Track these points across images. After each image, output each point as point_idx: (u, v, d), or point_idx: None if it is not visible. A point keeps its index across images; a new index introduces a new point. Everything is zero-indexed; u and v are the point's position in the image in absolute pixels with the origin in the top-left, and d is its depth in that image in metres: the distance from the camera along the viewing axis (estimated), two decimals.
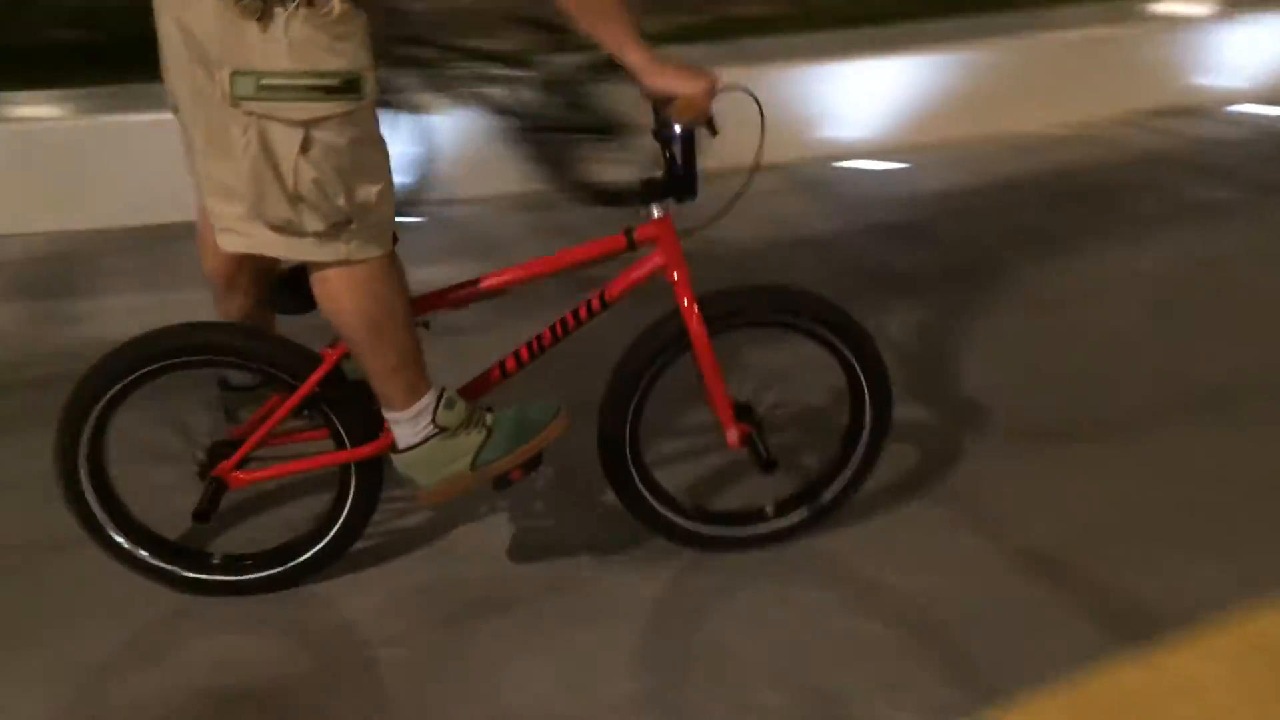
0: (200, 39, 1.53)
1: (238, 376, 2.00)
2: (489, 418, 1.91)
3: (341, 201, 1.61)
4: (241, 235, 1.65)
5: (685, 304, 1.88)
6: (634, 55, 1.68)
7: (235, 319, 1.98)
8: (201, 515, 1.93)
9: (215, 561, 2.03)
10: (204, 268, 1.94)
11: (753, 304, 1.97)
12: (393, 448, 1.89)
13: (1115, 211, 3.91)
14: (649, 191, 1.86)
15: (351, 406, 1.91)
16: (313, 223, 1.61)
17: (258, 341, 1.86)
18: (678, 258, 1.88)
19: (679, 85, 1.69)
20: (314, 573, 2.03)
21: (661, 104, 1.73)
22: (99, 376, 1.81)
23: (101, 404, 1.83)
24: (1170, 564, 2.03)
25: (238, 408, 2.03)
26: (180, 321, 1.84)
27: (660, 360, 1.95)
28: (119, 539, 1.95)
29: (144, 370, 1.81)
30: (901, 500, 2.24)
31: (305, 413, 1.94)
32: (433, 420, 1.84)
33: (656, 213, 1.87)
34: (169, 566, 1.99)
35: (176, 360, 1.82)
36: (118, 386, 1.82)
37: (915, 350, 2.91)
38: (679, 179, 1.82)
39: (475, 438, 1.88)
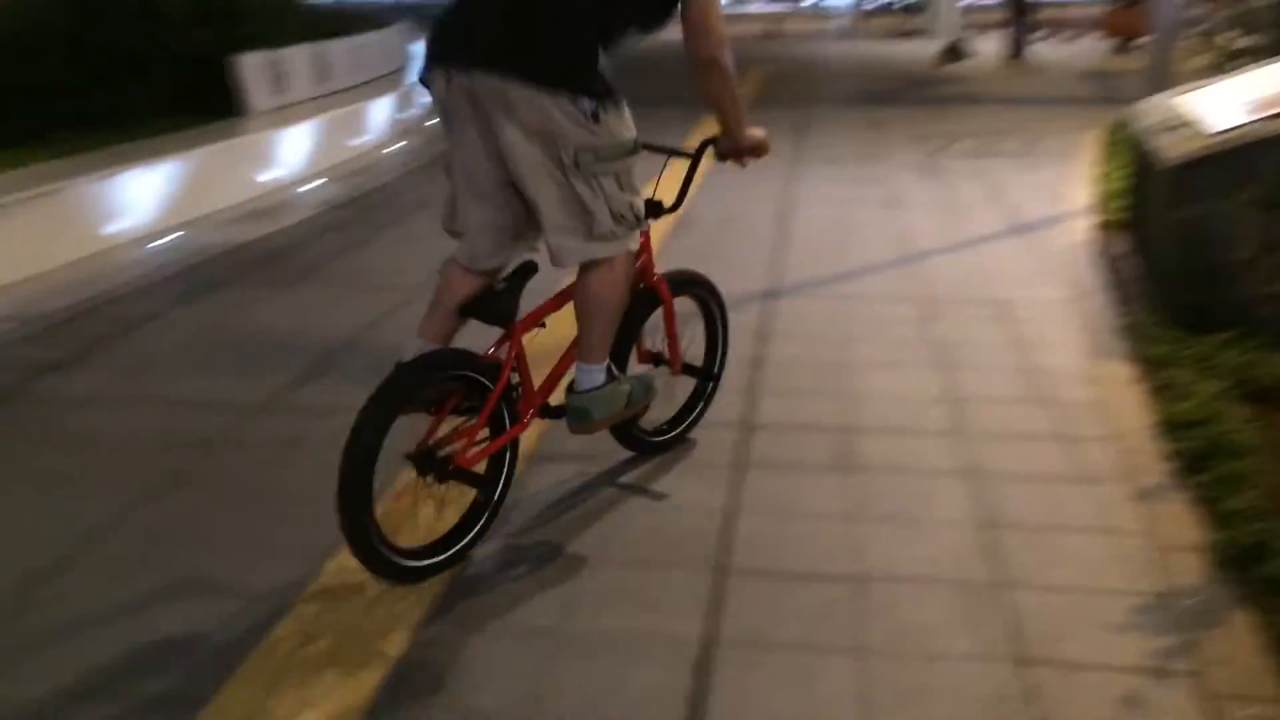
0: (551, 131, 2.49)
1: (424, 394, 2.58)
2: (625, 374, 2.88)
3: (639, 211, 2.69)
4: (578, 251, 2.64)
5: (657, 280, 3.00)
6: (744, 121, 2.77)
7: (442, 334, 2.71)
8: (480, 482, 2.72)
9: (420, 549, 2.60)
10: (446, 299, 2.71)
11: (687, 281, 3.21)
12: (571, 389, 2.78)
13: None
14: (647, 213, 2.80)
15: (513, 396, 2.71)
16: (620, 230, 2.64)
17: (473, 357, 2.63)
18: (651, 254, 2.95)
19: (762, 134, 2.83)
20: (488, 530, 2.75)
21: (739, 151, 2.82)
22: (392, 396, 2.45)
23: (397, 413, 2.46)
24: None
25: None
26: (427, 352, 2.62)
27: (646, 316, 3.00)
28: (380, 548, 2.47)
29: (440, 380, 2.58)
30: None
31: (470, 406, 2.63)
32: (609, 368, 2.77)
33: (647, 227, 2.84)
34: (409, 564, 2.56)
35: (460, 374, 2.59)
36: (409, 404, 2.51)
37: None
38: (661, 206, 2.88)
39: (627, 384, 2.83)
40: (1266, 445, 3.07)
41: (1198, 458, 2.99)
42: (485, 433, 2.68)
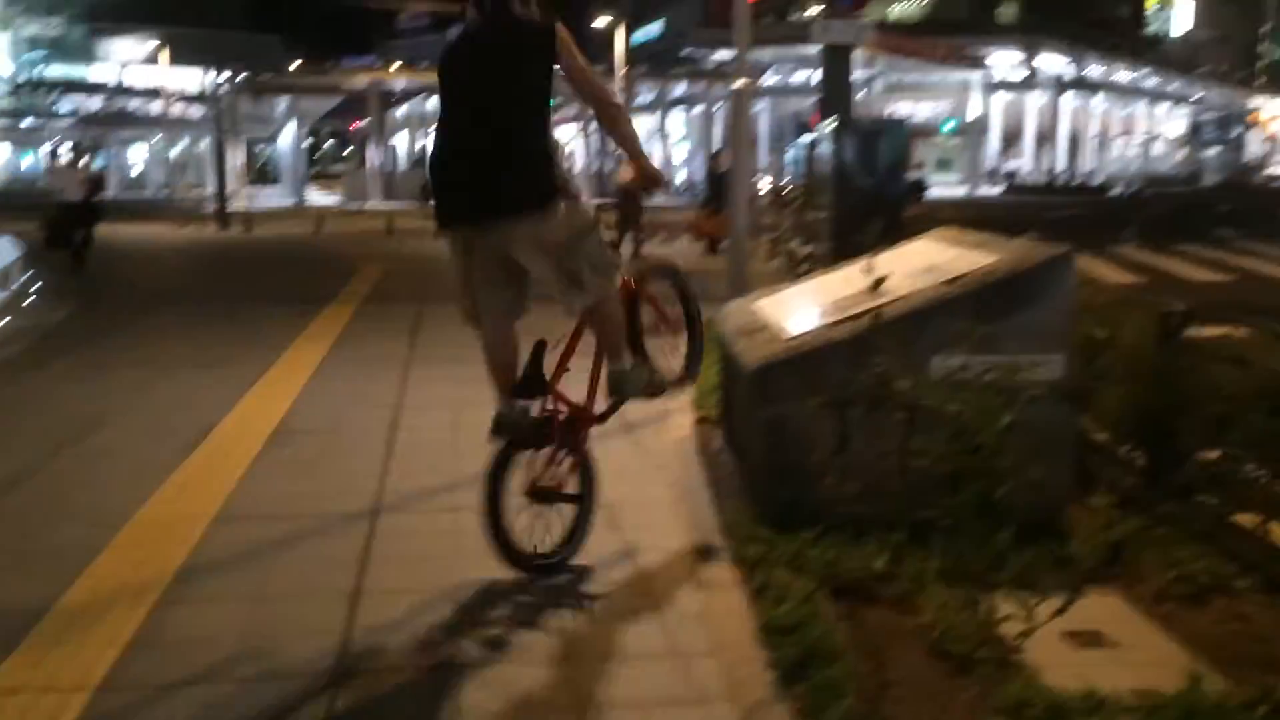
0: (537, 237, 3.60)
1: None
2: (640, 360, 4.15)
3: (618, 257, 4.03)
4: (581, 301, 3.75)
5: (630, 286, 4.23)
6: (641, 151, 3.98)
7: (512, 374, 3.88)
8: (575, 498, 3.97)
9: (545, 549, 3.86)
10: (499, 356, 3.92)
11: (655, 270, 4.63)
12: (611, 377, 3.95)
13: None
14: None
15: (573, 427, 3.98)
16: (607, 275, 3.83)
17: (534, 419, 3.88)
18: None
19: (658, 167, 4.07)
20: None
21: (649, 178, 4.00)
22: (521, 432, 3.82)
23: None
24: None
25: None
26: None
27: (638, 310, 4.25)
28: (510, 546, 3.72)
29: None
30: None
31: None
32: (630, 358, 4.04)
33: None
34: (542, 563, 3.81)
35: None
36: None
37: None
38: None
39: (644, 369, 4.13)
40: (857, 643, 3.18)
41: (796, 665, 3.02)
42: (563, 458, 3.86)
